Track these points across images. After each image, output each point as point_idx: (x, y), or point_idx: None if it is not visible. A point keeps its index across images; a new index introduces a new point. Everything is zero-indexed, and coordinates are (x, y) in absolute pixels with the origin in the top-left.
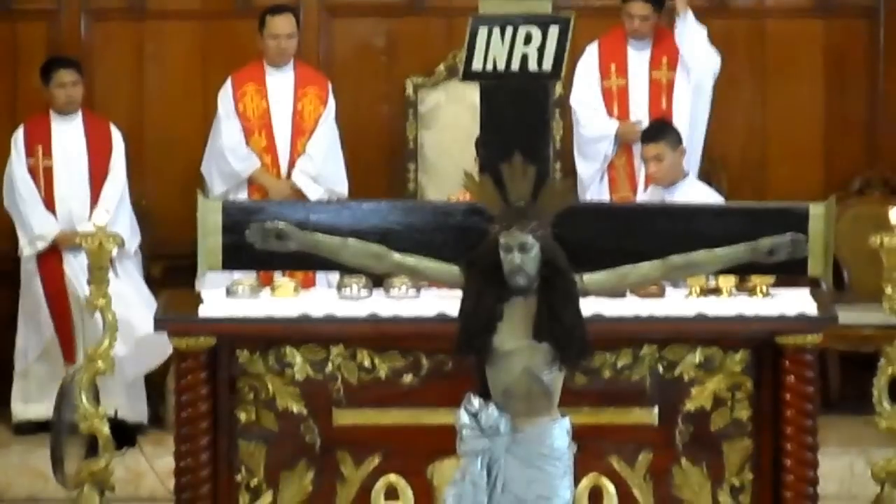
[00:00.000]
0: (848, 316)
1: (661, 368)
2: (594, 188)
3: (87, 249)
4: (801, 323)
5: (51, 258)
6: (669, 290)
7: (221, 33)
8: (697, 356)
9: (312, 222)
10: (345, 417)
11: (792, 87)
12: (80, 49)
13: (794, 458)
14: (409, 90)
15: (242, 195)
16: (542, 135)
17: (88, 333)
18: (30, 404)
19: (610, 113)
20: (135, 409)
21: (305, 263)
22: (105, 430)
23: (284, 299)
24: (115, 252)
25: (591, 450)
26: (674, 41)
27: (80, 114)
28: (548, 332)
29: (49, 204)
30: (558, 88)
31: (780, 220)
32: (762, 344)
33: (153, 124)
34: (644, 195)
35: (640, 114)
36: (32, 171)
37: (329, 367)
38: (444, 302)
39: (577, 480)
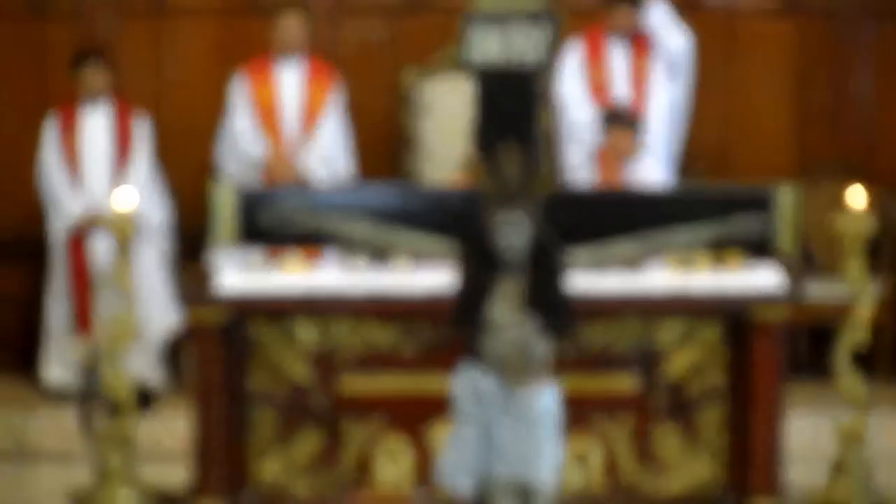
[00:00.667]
0: (815, 289)
1: (641, 339)
2: (580, 172)
3: (111, 230)
4: (772, 297)
5: (77, 236)
6: (649, 265)
7: (238, 30)
8: (676, 328)
9: (320, 204)
10: (350, 385)
11: (762, 77)
12: (105, 45)
13: (764, 421)
14: (408, 82)
15: (253, 178)
16: (531, 122)
17: (108, 306)
18: (58, 368)
19: (594, 101)
20: (153, 375)
21: (313, 241)
22: (128, 393)
23: (294, 274)
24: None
25: (577, 415)
26: (649, 31)
27: (106, 100)
28: (537, 305)
29: (76, 185)
30: (548, 79)
31: (750, 200)
32: (736, 316)
33: (172, 116)
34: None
35: (621, 101)
36: (63, 155)
37: (335, 338)
38: (443, 276)
39: (564, 443)
